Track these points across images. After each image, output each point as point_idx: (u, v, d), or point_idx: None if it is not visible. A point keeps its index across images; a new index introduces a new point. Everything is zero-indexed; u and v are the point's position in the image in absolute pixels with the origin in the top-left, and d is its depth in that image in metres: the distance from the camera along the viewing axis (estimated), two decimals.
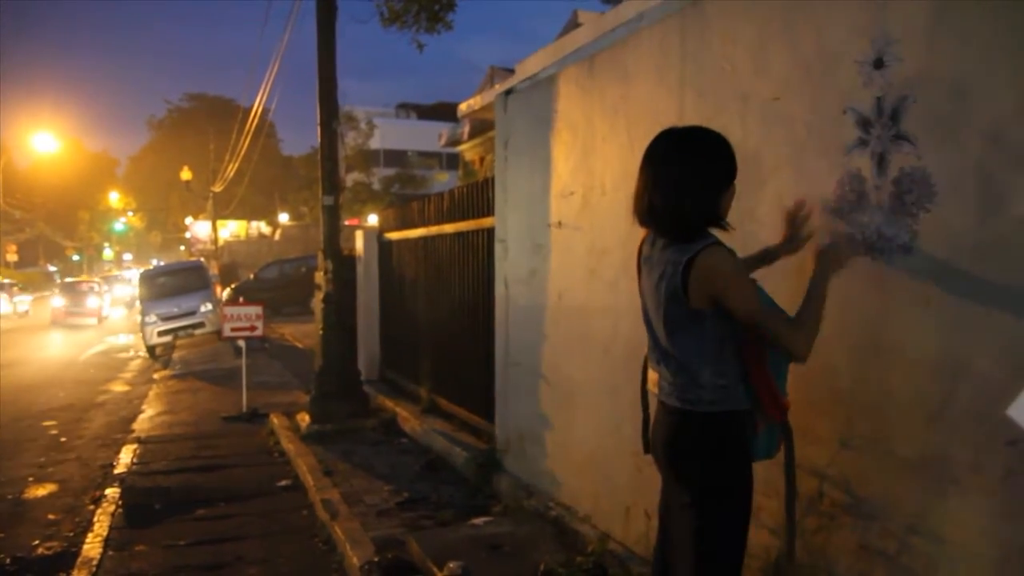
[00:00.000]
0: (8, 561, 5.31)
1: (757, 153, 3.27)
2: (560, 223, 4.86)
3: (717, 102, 3.50)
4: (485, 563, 4.10)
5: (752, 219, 3.27)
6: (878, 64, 2.67)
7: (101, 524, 5.82)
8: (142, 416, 10.03)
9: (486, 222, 6.26)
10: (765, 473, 3.18)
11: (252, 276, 26.29)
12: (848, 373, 2.83)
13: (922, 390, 2.56)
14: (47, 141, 42.00)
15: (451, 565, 4.04)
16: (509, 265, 5.61)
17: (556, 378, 4.96)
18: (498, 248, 5.75)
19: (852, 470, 2.83)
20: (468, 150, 34.59)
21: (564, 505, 4.82)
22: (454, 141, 36.51)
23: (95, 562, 5.10)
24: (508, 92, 5.64)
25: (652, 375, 2.64)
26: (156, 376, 14.00)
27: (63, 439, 9.07)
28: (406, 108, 61.72)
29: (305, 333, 16.38)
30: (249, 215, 51.23)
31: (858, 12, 2.76)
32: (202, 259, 28.60)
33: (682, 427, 2.49)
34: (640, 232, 3.92)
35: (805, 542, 3.02)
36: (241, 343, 9.98)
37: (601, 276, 4.39)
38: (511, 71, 5.68)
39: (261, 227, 51.69)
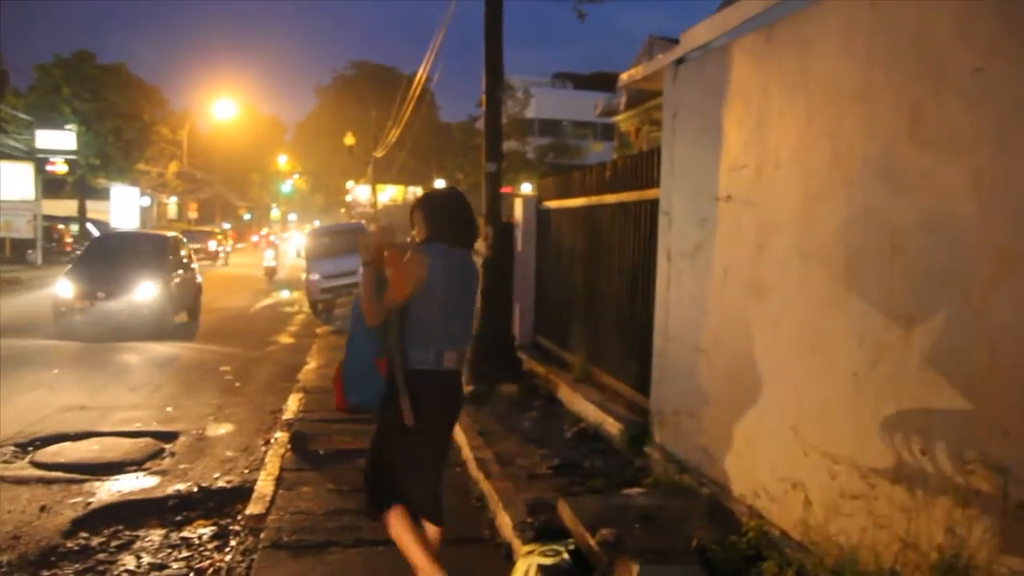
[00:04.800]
0: (196, 490, 5.83)
1: (953, 129, 3.09)
2: (729, 197, 4.75)
3: (908, 74, 3.32)
4: (638, 533, 4.12)
5: (947, 196, 3.10)
6: None
7: (272, 464, 6.26)
8: (306, 368, 10.62)
9: (649, 193, 6.19)
10: (942, 468, 3.04)
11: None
12: None
13: None
14: (227, 108, 44.77)
15: (604, 532, 4.08)
16: (673, 238, 5.54)
17: (717, 355, 4.89)
18: (662, 220, 5.69)
19: None
20: (624, 121, 34.08)
21: (718, 483, 4.77)
22: (610, 111, 36.02)
23: (268, 498, 5.51)
24: (679, 61, 5.53)
25: (451, 355, 3.65)
26: (318, 331, 14.76)
27: (237, 384, 9.77)
28: (562, 78, 61.57)
29: None
30: (406, 180, 52.87)
31: None
32: (362, 222, 29.76)
33: None
34: (818, 211, 3.81)
35: (985, 542, 2.88)
36: None
37: (771, 253, 4.28)
38: (672, 41, 5.57)
39: (417, 192, 53.23)
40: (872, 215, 3.50)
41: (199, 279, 16.18)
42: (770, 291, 4.29)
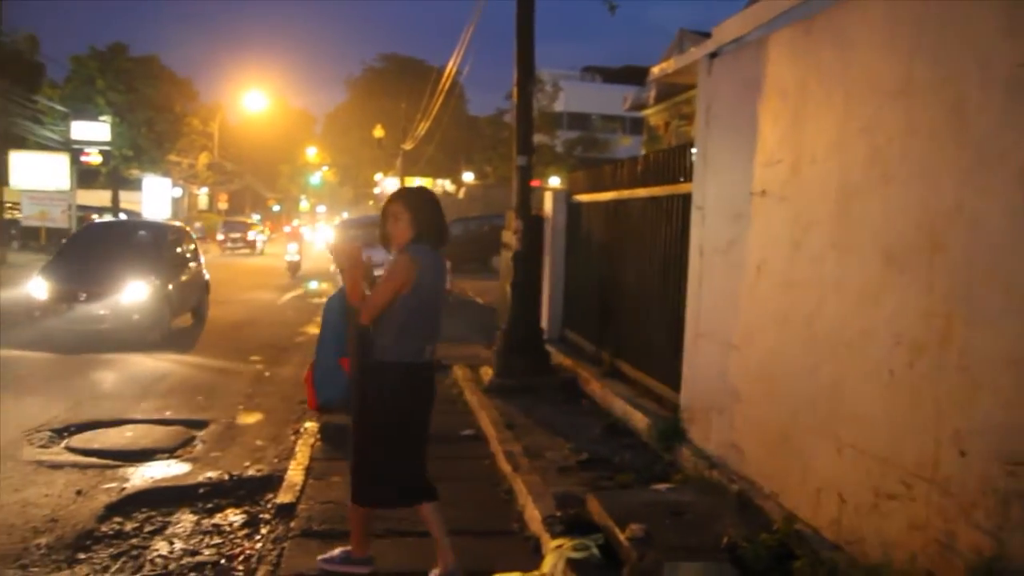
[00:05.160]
0: (226, 478, 5.89)
1: (997, 125, 3.03)
2: (764, 192, 4.70)
3: (951, 69, 3.26)
4: (667, 529, 4.10)
5: (989, 193, 3.05)
6: None
7: (302, 454, 6.29)
8: None
9: (682, 188, 6.15)
10: (983, 470, 3.00)
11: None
12: None
13: None
14: (258, 100, 45.21)
15: (633, 527, 4.06)
16: (705, 233, 5.50)
17: (750, 351, 4.85)
18: (694, 215, 5.65)
19: None
20: (653, 115, 33.98)
21: (748, 480, 4.74)
22: (639, 105, 35.88)
23: (298, 487, 5.54)
24: (712, 55, 5.49)
25: (430, 348, 4.00)
26: None
27: (267, 374, 9.84)
28: (591, 71, 61.35)
29: (485, 289, 16.80)
30: (435, 173, 52.94)
31: None
32: None
33: None
34: (855, 207, 3.76)
35: None
36: None
37: (806, 249, 4.23)
38: (703, 35, 5.53)
39: (446, 185, 53.28)
40: (911, 212, 3.44)
41: (206, 276, 14.10)
42: (805, 287, 4.25)
